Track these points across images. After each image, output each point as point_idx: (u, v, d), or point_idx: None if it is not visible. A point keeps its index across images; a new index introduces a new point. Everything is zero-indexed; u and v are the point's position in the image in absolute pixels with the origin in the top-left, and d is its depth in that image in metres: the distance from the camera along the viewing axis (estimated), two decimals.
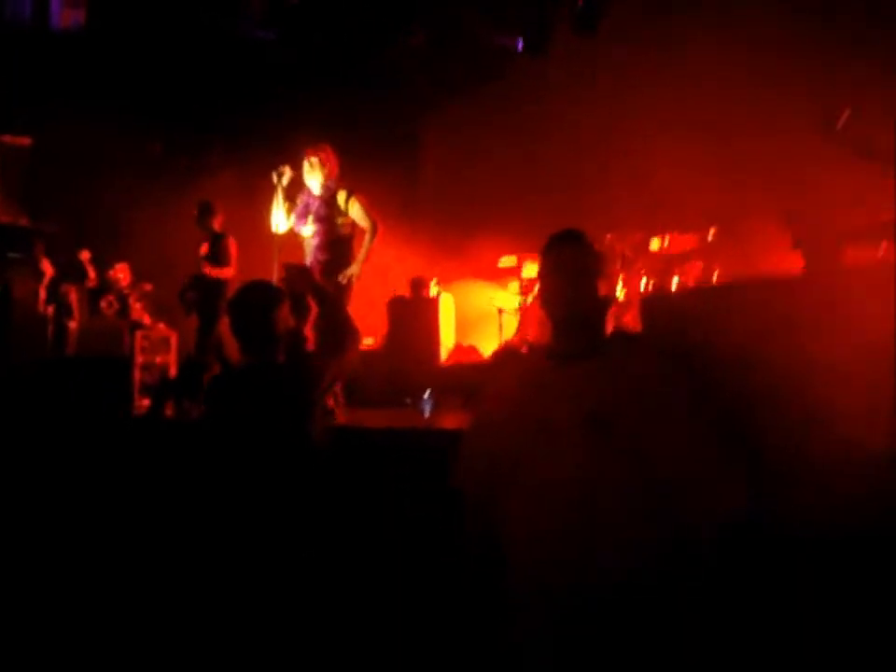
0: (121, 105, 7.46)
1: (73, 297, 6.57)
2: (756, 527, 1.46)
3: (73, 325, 6.55)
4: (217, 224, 5.25)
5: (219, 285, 5.11)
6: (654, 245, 5.58)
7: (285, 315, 2.21)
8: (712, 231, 5.29)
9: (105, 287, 6.79)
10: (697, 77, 5.78)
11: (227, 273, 5.14)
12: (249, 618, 1.97)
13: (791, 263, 4.93)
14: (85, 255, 6.73)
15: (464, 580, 1.62)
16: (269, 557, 1.99)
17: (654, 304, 2.21)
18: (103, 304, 6.65)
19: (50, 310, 6.60)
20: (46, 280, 6.66)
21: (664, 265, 5.57)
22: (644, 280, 5.53)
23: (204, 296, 5.14)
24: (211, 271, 5.10)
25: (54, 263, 6.71)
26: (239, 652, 1.97)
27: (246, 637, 1.96)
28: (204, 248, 5.25)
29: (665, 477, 1.40)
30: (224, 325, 5.01)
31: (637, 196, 5.81)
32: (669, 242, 5.57)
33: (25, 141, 8.36)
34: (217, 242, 5.18)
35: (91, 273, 6.72)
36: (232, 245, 5.19)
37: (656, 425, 1.42)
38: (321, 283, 3.03)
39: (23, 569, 2.94)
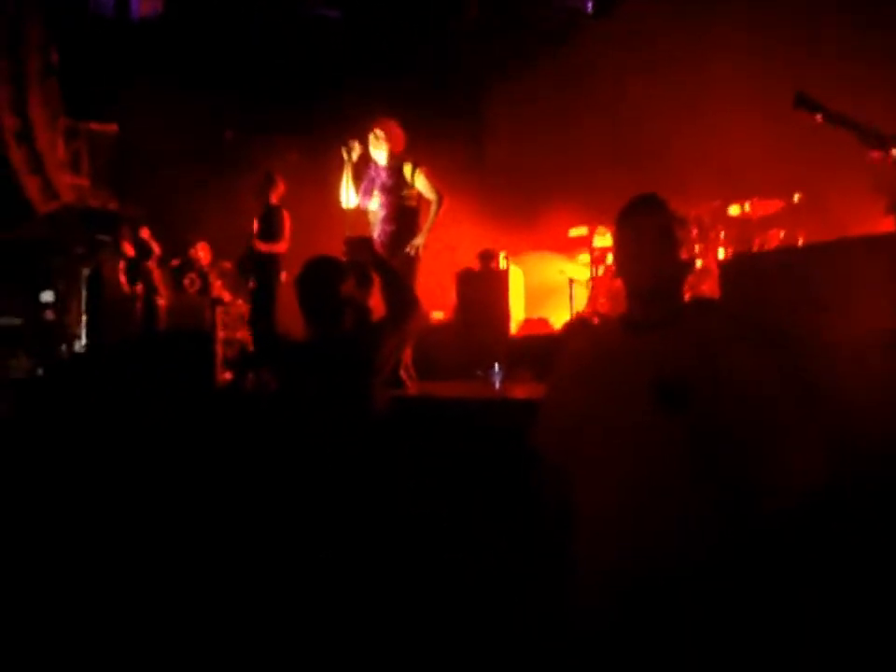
0: (197, 89, 7.72)
1: (155, 275, 6.87)
2: (833, 498, 1.40)
3: (162, 302, 6.88)
4: (275, 197, 5.30)
5: (273, 259, 5.21)
6: (734, 210, 5.33)
7: (350, 289, 2.25)
8: (797, 195, 5.00)
9: (187, 265, 7.10)
10: (779, 38, 5.45)
11: (279, 247, 5.20)
12: (309, 584, 2.03)
13: (882, 229, 4.64)
14: (145, 232, 6.97)
15: (540, 542, 1.62)
16: (329, 524, 2.04)
17: (734, 269, 2.12)
18: (185, 282, 6.96)
19: (139, 289, 6.96)
20: (126, 261, 6.99)
21: (744, 232, 5.32)
22: (723, 248, 5.31)
23: (260, 270, 5.26)
24: (262, 246, 5.19)
25: (135, 245, 7.03)
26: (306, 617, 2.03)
27: (317, 597, 2.03)
28: (255, 224, 5.31)
29: (740, 444, 1.36)
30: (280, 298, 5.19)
31: (715, 162, 5.55)
32: (750, 207, 5.30)
33: (112, 128, 8.80)
34: (271, 215, 5.23)
35: (156, 249, 6.95)
36: (286, 219, 5.23)
37: (732, 391, 1.37)
38: (383, 254, 3.07)
39: (111, 531, 3.13)
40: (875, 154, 3.02)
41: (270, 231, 5.21)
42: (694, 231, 5.42)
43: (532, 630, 1.92)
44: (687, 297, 1.56)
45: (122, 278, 6.95)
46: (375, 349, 2.17)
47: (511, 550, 2.26)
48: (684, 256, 1.51)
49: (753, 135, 5.63)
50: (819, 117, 3.06)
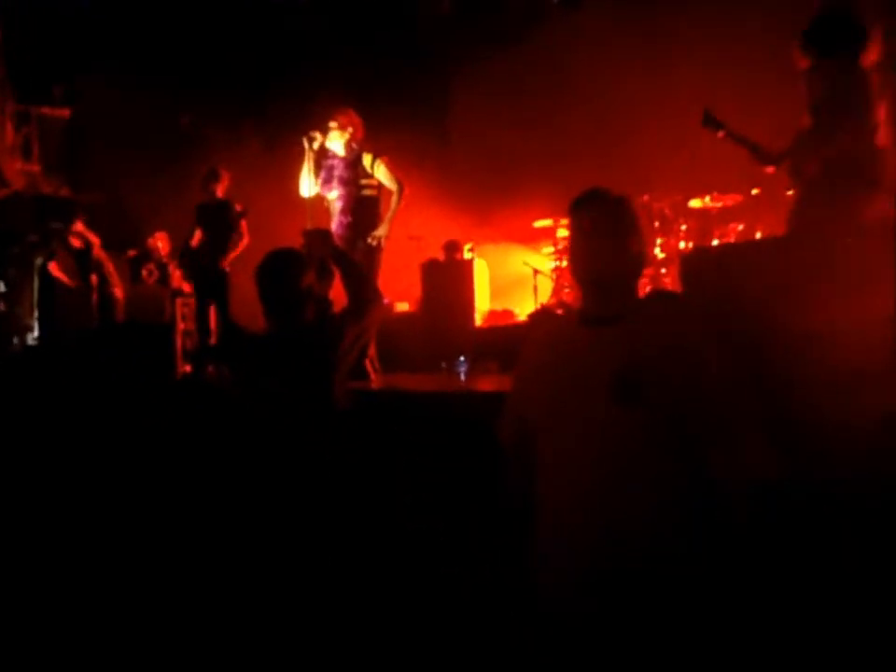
0: (153, 75, 7.51)
1: (108, 266, 6.70)
2: (786, 487, 1.43)
3: (118, 293, 6.71)
4: (220, 190, 5.32)
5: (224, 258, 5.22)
6: (695, 203, 5.42)
7: (310, 281, 2.22)
8: (755, 190, 5.10)
9: (145, 256, 6.92)
10: (740, 32, 5.53)
11: (241, 248, 5.27)
12: (271, 584, 2.01)
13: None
14: (79, 225, 6.80)
15: (504, 534, 1.63)
16: (290, 517, 2.02)
17: (694, 262, 2.14)
18: (144, 273, 6.79)
19: (94, 280, 6.76)
20: (73, 254, 6.79)
21: (704, 224, 5.42)
22: (684, 241, 5.39)
23: (209, 265, 5.26)
24: (225, 263, 5.22)
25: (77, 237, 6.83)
26: (263, 622, 2.01)
27: (272, 603, 2.01)
28: (199, 221, 5.35)
29: (693, 435, 1.38)
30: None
31: (677, 156, 5.63)
32: (710, 200, 5.39)
33: (64, 113, 8.50)
34: (222, 211, 5.28)
35: (93, 239, 6.77)
36: (242, 218, 5.29)
37: (687, 384, 1.38)
38: (342, 245, 3.01)
39: (63, 528, 3.05)
40: (769, 170, 3.38)
41: (218, 234, 5.19)
42: (657, 224, 5.51)
43: (496, 620, 1.93)
44: (648, 289, 1.57)
45: (62, 275, 6.76)
46: (335, 342, 2.15)
47: (476, 542, 2.27)
48: (635, 249, 1.50)
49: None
50: (720, 133, 3.48)
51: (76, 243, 6.76)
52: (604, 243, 1.47)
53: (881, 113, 2.92)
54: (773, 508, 1.40)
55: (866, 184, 2.83)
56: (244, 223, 5.26)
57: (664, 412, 1.37)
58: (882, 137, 2.91)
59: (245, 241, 5.27)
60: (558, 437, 1.46)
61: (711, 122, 3.51)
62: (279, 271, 2.20)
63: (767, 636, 1.53)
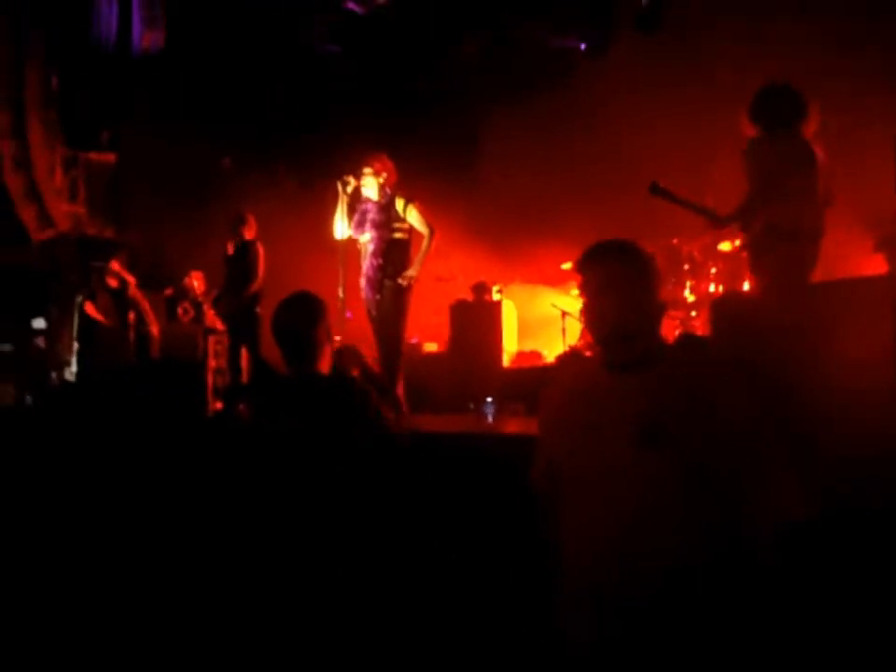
0: (195, 121, 7.82)
1: (144, 304, 6.88)
2: (814, 528, 1.40)
3: (154, 331, 6.87)
4: (248, 233, 5.48)
5: (248, 297, 5.32)
6: (725, 246, 5.41)
7: (328, 327, 2.21)
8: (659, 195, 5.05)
9: (181, 294, 7.11)
10: (764, 71, 5.58)
11: (253, 288, 5.37)
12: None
13: (871, 267, 4.72)
14: (115, 265, 7.02)
15: (536, 577, 1.61)
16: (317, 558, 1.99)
17: (724, 307, 2.14)
18: (179, 311, 6.96)
19: (131, 317, 6.95)
20: (110, 294, 7.00)
21: (734, 267, 5.39)
22: (714, 284, 5.37)
23: (239, 308, 5.38)
24: (234, 302, 5.33)
25: (133, 272, 7.05)
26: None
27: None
28: (227, 264, 5.45)
29: (718, 480, 1.37)
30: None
31: (706, 199, 5.65)
32: (740, 243, 5.38)
33: (110, 157, 8.87)
34: (246, 252, 5.42)
35: (129, 279, 6.99)
36: (260, 255, 5.43)
37: (715, 431, 1.38)
38: (371, 287, 2.96)
39: (91, 560, 3.09)
40: (720, 230, 3.76)
41: (242, 274, 5.30)
42: (686, 267, 5.50)
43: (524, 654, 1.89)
44: (678, 332, 1.58)
45: (98, 315, 6.98)
46: (361, 396, 2.15)
47: (507, 583, 2.24)
48: (650, 295, 1.51)
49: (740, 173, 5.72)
50: (669, 200, 3.67)
51: (112, 282, 6.98)
52: (612, 298, 1.47)
53: (819, 178, 3.25)
54: (802, 549, 1.37)
55: (808, 241, 3.14)
56: (259, 254, 5.42)
57: (688, 456, 1.37)
58: (821, 198, 3.26)
59: (258, 276, 5.41)
60: (582, 481, 1.46)
61: (658, 192, 3.64)
62: (295, 316, 2.19)
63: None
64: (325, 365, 2.19)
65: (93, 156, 8.75)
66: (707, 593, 1.35)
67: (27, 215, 7.91)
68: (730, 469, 1.38)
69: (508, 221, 7.79)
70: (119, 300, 6.94)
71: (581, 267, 1.53)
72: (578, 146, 7.27)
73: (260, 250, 5.42)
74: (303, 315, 2.18)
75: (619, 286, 1.48)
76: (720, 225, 3.58)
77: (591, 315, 1.51)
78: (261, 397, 2.37)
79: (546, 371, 5.37)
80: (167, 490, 3.43)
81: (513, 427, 3.83)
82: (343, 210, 4.28)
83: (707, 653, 1.35)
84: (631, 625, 1.36)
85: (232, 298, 5.46)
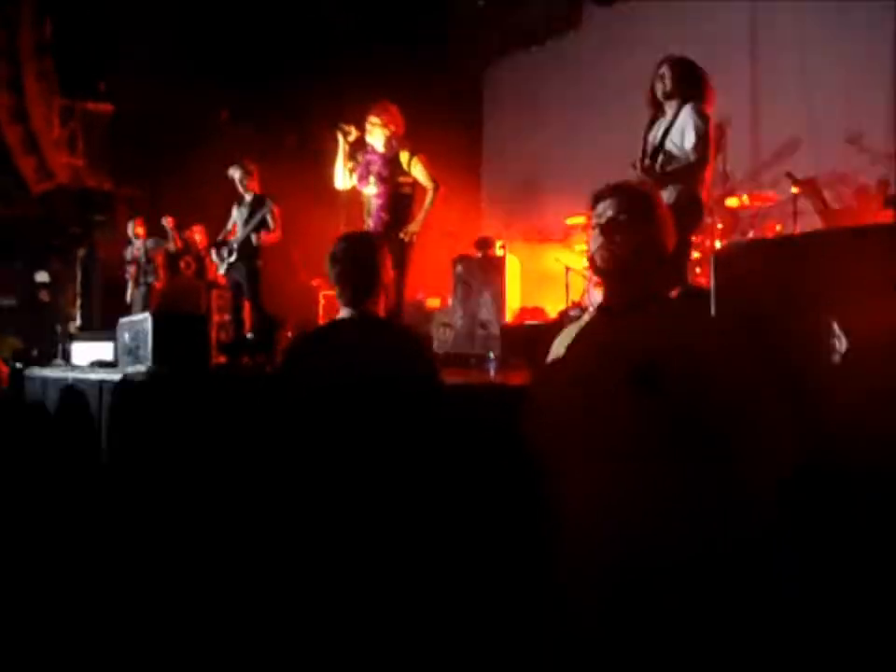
0: (193, 70, 7.66)
1: (160, 259, 6.84)
2: (810, 472, 1.42)
3: (158, 285, 6.86)
4: (255, 185, 5.36)
5: (260, 248, 5.26)
6: (731, 202, 5.34)
7: (388, 268, 2.17)
8: (795, 189, 5.01)
9: (183, 248, 7.07)
10: (771, 31, 5.45)
11: (274, 238, 5.26)
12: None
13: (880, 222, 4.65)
14: (170, 221, 6.94)
15: (532, 528, 1.64)
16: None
17: (727, 257, 2.12)
18: (181, 265, 6.93)
19: (133, 270, 6.93)
20: (139, 243, 6.95)
21: (740, 223, 5.34)
22: (719, 239, 5.31)
23: (247, 258, 5.32)
24: (264, 239, 5.24)
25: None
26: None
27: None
28: (238, 213, 5.40)
29: (711, 426, 1.38)
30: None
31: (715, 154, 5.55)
32: (748, 199, 5.31)
33: (107, 108, 8.73)
34: (260, 204, 5.29)
35: (178, 241, 6.95)
36: (277, 211, 5.30)
37: (708, 382, 1.38)
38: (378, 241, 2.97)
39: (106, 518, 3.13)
40: None
41: (262, 223, 5.25)
42: None
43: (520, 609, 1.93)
44: (676, 285, 1.57)
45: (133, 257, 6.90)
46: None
47: (505, 536, 2.28)
48: (656, 239, 1.52)
49: (753, 130, 5.63)
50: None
51: (179, 244, 6.93)
52: (611, 235, 1.49)
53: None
54: (795, 495, 1.39)
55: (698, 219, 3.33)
56: (277, 215, 5.31)
57: (681, 401, 1.37)
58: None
59: (276, 234, 5.32)
60: (576, 425, 1.47)
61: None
62: (361, 251, 2.14)
63: (786, 630, 1.52)
64: (381, 307, 2.17)
65: (91, 106, 8.61)
66: (699, 534, 1.38)
67: (26, 166, 7.83)
68: (723, 415, 1.39)
69: (512, 177, 7.69)
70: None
71: (595, 200, 1.54)
72: (583, 100, 7.11)
73: (276, 212, 5.33)
74: (366, 252, 2.15)
75: (622, 222, 1.49)
76: None
77: (594, 246, 1.52)
78: (316, 339, 2.27)
79: (548, 326, 5.36)
80: (176, 446, 3.44)
81: (516, 380, 3.84)
82: (343, 159, 4.21)
83: (700, 597, 1.37)
84: (626, 571, 1.39)
85: (242, 250, 5.37)
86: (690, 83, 3.36)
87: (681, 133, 3.34)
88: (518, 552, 2.09)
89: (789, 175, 4.95)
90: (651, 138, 3.54)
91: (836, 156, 5.26)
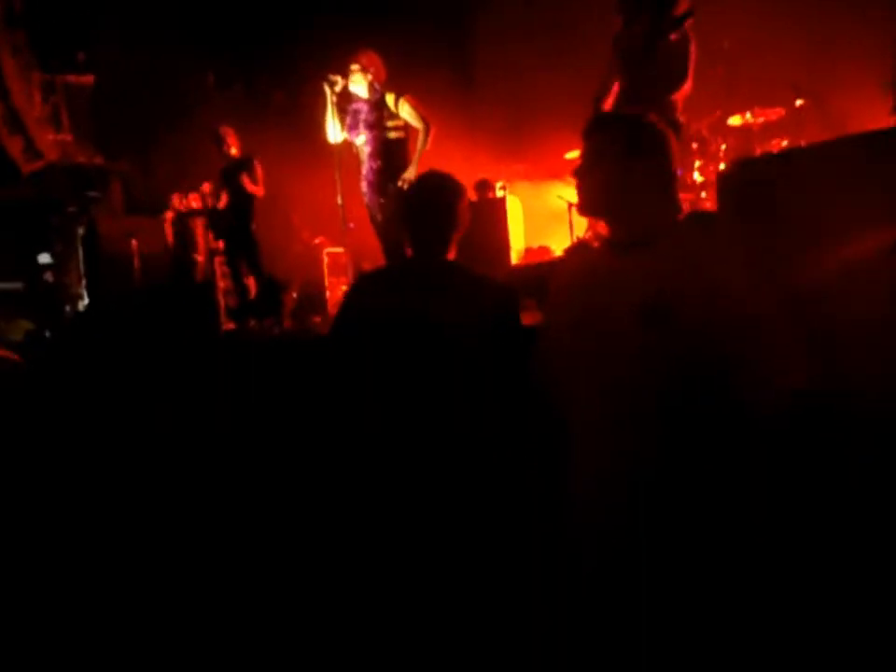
0: (172, 33, 7.44)
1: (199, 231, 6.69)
2: (815, 402, 1.41)
3: (199, 258, 6.70)
4: (234, 150, 5.32)
5: (252, 206, 5.20)
6: (735, 120, 5.18)
7: (467, 210, 2.01)
8: (798, 101, 4.85)
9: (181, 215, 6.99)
10: None
11: (258, 191, 5.22)
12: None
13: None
14: (206, 187, 6.78)
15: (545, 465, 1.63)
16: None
17: (732, 178, 2.05)
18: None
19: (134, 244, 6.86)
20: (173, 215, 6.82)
21: (745, 142, 5.18)
22: (724, 162, 5.18)
23: (242, 218, 5.27)
24: (249, 186, 5.18)
25: (129, 198, 6.89)
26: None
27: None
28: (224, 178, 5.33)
29: (722, 357, 1.36)
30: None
31: (713, 72, 5.36)
32: (751, 116, 5.15)
33: (89, 80, 8.53)
34: (241, 167, 5.26)
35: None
36: (258, 167, 5.28)
37: (718, 309, 1.36)
38: (373, 191, 2.73)
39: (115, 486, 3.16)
40: None
41: (245, 193, 5.20)
42: (695, 146, 5.29)
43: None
44: (685, 211, 1.53)
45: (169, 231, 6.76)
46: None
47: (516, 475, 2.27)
48: (657, 169, 1.46)
49: (753, 43, 5.40)
50: None
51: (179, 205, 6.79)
52: (609, 168, 1.43)
53: None
54: (799, 419, 1.38)
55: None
56: (259, 174, 5.27)
57: (692, 334, 1.36)
58: None
59: (260, 189, 5.29)
60: (587, 362, 1.46)
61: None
62: (439, 194, 2.01)
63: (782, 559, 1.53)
64: (454, 253, 2.04)
65: (72, 79, 8.42)
66: (708, 469, 1.38)
67: (13, 147, 7.71)
68: (733, 343, 1.37)
69: (507, 114, 7.48)
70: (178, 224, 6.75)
71: (585, 135, 1.48)
72: (577, 29, 6.84)
73: (257, 163, 5.27)
74: (445, 195, 2.00)
75: (623, 155, 1.43)
76: None
77: (589, 185, 1.47)
78: (384, 281, 2.05)
79: (555, 264, 5.31)
80: (193, 418, 3.45)
81: (526, 321, 3.82)
82: (332, 111, 4.11)
83: (711, 526, 1.38)
84: (636, 502, 1.40)
85: (234, 217, 5.36)
86: None
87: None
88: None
89: (793, 86, 4.79)
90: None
91: (842, 63, 5.06)
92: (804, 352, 1.38)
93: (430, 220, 1.97)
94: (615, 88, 3.54)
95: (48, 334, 6.81)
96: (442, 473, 1.78)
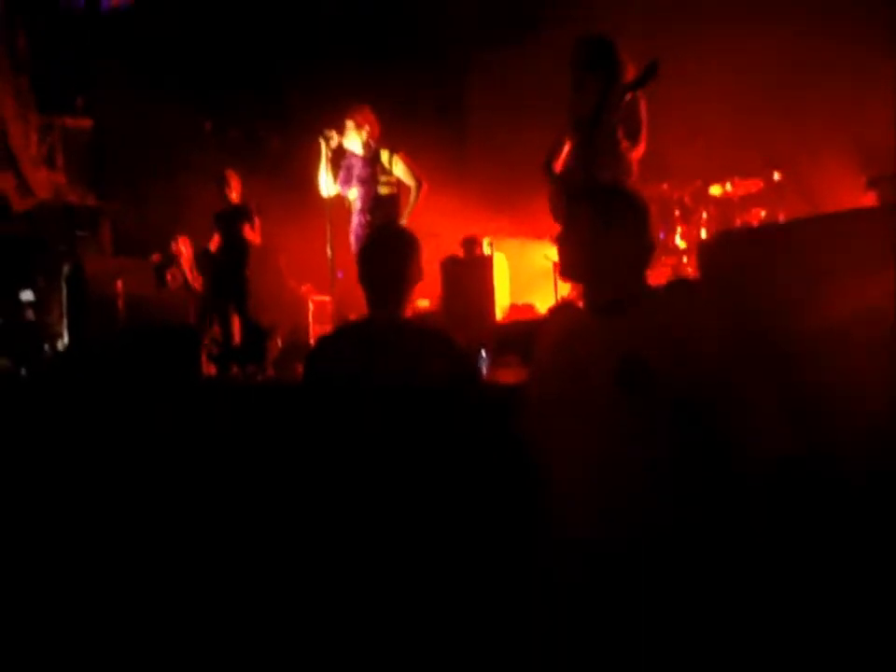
0: (172, 81, 7.62)
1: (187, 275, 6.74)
2: (801, 467, 1.42)
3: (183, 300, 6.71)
4: (234, 195, 5.37)
5: (247, 252, 5.26)
6: (715, 190, 5.36)
7: (420, 267, 2.02)
8: (777, 174, 5.04)
9: (168, 260, 7.03)
10: (752, 12, 5.47)
11: (256, 238, 5.28)
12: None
13: (864, 205, 4.69)
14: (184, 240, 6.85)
15: (524, 522, 1.63)
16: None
17: (711, 247, 2.13)
18: (167, 277, 6.89)
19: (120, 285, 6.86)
20: (187, 260, 6.86)
21: (725, 211, 5.36)
22: (705, 229, 5.34)
23: (236, 263, 5.29)
24: (250, 234, 5.23)
25: (118, 239, 6.92)
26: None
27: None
28: (221, 223, 5.40)
29: (705, 425, 1.38)
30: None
31: (694, 142, 5.57)
32: (731, 187, 5.33)
33: (86, 123, 8.67)
34: (239, 214, 5.31)
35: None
36: (256, 216, 5.33)
37: (698, 374, 1.38)
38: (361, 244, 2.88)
39: (97, 530, 3.10)
40: None
41: (242, 239, 5.26)
42: (677, 213, 5.45)
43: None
44: (667, 278, 1.58)
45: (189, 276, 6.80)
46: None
47: (497, 531, 2.26)
48: (636, 239, 1.51)
49: (733, 117, 5.64)
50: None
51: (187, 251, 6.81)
52: (589, 237, 1.50)
53: None
54: (786, 485, 1.39)
55: None
56: (257, 223, 5.32)
57: (670, 397, 1.38)
58: None
59: (257, 238, 5.34)
60: (567, 422, 1.47)
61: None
62: (390, 248, 1.99)
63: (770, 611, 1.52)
64: (409, 309, 2.07)
65: (69, 122, 8.55)
66: (687, 532, 1.38)
67: (5, 184, 7.76)
68: (714, 409, 1.39)
69: (497, 173, 7.65)
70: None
71: (568, 206, 1.54)
72: (566, 93, 7.09)
73: (256, 216, 5.33)
74: (397, 251, 1.99)
75: (604, 225, 1.49)
76: None
77: (570, 252, 1.52)
78: (341, 344, 2.08)
79: (539, 323, 5.36)
80: (171, 459, 3.41)
81: (506, 377, 3.83)
82: (326, 166, 4.20)
83: (689, 594, 1.37)
84: (612, 564, 1.39)
85: (227, 262, 5.37)
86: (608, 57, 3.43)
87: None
88: (508, 545, 2.05)
89: (769, 161, 4.98)
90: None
91: (817, 138, 5.28)
92: (786, 418, 1.40)
93: (382, 275, 1.99)
94: (565, 149, 3.66)
95: (23, 372, 6.70)
96: (400, 536, 1.83)
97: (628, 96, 3.32)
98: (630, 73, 3.49)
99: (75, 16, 8.50)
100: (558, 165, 3.72)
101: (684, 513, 1.39)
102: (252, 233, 5.25)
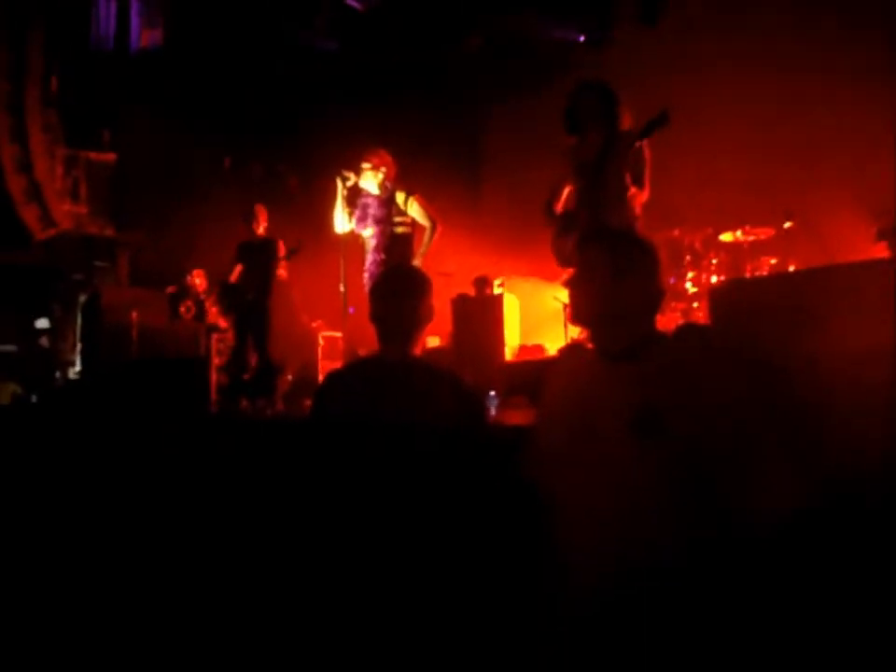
0: (195, 119, 7.84)
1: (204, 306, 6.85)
2: (812, 520, 1.41)
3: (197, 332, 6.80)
4: (261, 228, 5.45)
5: (271, 286, 5.32)
6: (726, 237, 5.40)
7: (431, 307, 2.04)
8: (788, 223, 5.08)
9: (183, 292, 7.11)
10: (764, 63, 5.59)
11: (283, 274, 5.35)
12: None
13: (875, 255, 4.71)
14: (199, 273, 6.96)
15: (533, 567, 1.62)
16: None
17: (723, 294, 2.14)
18: (181, 309, 6.96)
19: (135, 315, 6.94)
20: (201, 292, 6.96)
21: (736, 258, 5.39)
22: (715, 275, 5.36)
23: (258, 299, 5.35)
24: (283, 272, 5.30)
25: (135, 270, 7.03)
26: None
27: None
28: (243, 254, 5.48)
29: (717, 475, 1.36)
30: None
31: (706, 190, 5.64)
32: (742, 234, 5.38)
33: (110, 157, 8.90)
34: (265, 247, 5.40)
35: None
36: (281, 249, 5.41)
37: (710, 422, 1.38)
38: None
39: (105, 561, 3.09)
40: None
41: (266, 272, 5.33)
42: (688, 258, 5.49)
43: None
44: (680, 323, 1.58)
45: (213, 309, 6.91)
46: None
47: (502, 574, 2.24)
48: (645, 285, 1.51)
49: (745, 165, 5.72)
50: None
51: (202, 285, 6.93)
52: (601, 281, 1.49)
53: None
54: (798, 536, 1.38)
55: None
56: (283, 256, 5.40)
57: (683, 445, 1.37)
58: None
59: (284, 275, 5.40)
60: (579, 470, 1.47)
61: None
62: (401, 288, 2.01)
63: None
64: (419, 347, 2.07)
65: (94, 155, 8.79)
66: (700, 581, 1.36)
67: (29, 215, 7.94)
68: (726, 458, 1.38)
69: (510, 214, 7.76)
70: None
71: (579, 249, 1.55)
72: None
73: (281, 250, 5.42)
74: (409, 290, 2.01)
75: (615, 268, 1.49)
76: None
77: (581, 295, 1.52)
78: (351, 380, 2.09)
79: (548, 364, 5.35)
80: (178, 490, 3.41)
81: (515, 419, 3.82)
82: (342, 204, 4.28)
83: (699, 641, 1.35)
84: (623, 612, 1.37)
85: (250, 293, 5.43)
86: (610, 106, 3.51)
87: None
88: (513, 589, 2.04)
89: (785, 210, 5.03)
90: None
91: (829, 187, 5.33)
92: (800, 467, 1.39)
93: (394, 314, 2.00)
94: (566, 191, 3.72)
95: (34, 399, 6.75)
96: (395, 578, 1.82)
97: (637, 144, 3.38)
98: (627, 119, 3.56)
99: (104, 54, 8.81)
100: (559, 206, 3.79)
101: (696, 562, 1.37)
102: (282, 269, 5.33)
